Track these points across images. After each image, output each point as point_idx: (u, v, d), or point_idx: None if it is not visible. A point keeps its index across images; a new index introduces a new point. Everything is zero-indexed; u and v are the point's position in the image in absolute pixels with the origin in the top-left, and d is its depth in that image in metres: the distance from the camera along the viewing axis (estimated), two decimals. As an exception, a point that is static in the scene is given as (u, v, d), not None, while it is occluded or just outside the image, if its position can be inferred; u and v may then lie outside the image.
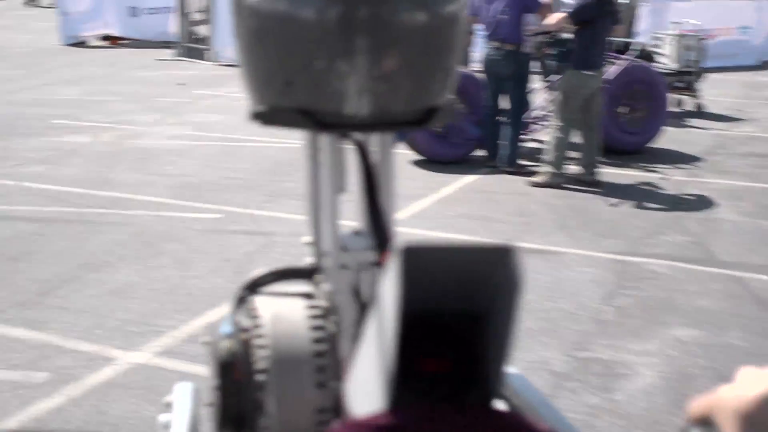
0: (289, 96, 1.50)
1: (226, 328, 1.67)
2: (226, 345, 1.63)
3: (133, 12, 19.75)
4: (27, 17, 22.63)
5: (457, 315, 0.97)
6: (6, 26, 21.59)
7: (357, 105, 1.47)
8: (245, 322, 1.64)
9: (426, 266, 0.90)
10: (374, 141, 1.68)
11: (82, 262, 5.98)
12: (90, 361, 4.51)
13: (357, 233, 1.71)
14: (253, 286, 1.71)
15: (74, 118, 11.28)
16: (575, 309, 5.37)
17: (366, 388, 1.01)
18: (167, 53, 17.91)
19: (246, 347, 1.60)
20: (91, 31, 19.88)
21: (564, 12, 8.35)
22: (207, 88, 13.99)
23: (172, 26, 18.28)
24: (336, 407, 1.56)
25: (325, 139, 1.66)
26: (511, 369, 1.06)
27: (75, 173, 8.54)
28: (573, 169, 8.61)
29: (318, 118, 1.50)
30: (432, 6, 1.47)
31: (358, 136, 1.62)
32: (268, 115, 1.54)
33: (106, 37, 20.02)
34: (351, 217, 1.72)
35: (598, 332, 5.08)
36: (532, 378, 4.61)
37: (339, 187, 1.68)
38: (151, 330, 4.89)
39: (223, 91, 13.50)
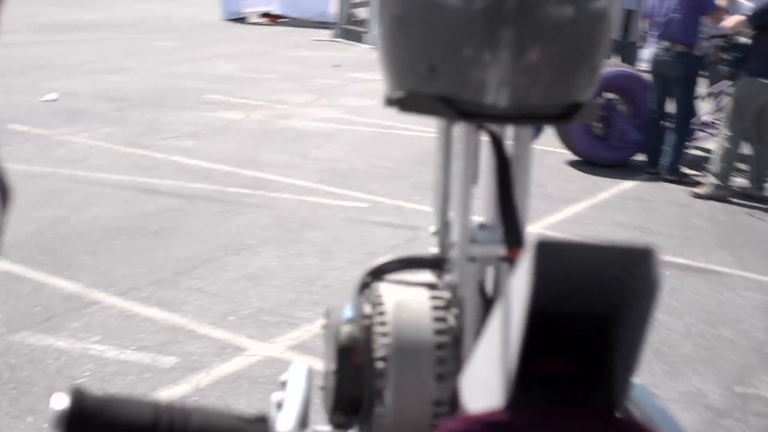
0: (431, 82, 1.48)
1: (348, 313, 1.65)
2: (347, 330, 1.61)
3: (294, -9, 19.89)
4: (192, -9, 23.14)
5: (587, 316, 0.94)
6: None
7: (497, 95, 1.45)
8: (368, 308, 1.63)
9: (559, 263, 0.87)
10: (511, 134, 1.64)
11: (222, 243, 5.89)
12: (221, 350, 4.37)
13: (485, 226, 1.68)
14: (377, 273, 1.70)
15: (228, 94, 11.33)
16: (737, 338, 4.93)
17: (484, 383, 0.99)
18: (325, 34, 17.94)
19: (367, 333, 1.59)
20: (251, 8, 20.13)
21: (743, 15, 7.81)
22: (362, 71, 13.89)
23: (331, 7, 18.29)
24: (453, 401, 1.53)
25: (460, 129, 1.64)
26: (635, 380, 1.00)
27: (223, 150, 8.53)
28: (740, 182, 8.07)
29: (457, 107, 1.48)
30: (580, 0, 1.44)
31: (494, 127, 1.59)
32: (407, 101, 1.53)
33: (265, 15, 20.24)
34: (479, 211, 1.67)
35: (762, 366, 4.63)
36: (683, 410, 4.35)
37: (471, 179, 1.65)
38: (286, 321, 4.72)
39: (378, 75, 13.34)
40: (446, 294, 1.63)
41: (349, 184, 7.52)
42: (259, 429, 1.26)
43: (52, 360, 4.17)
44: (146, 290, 5.06)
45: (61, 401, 0.98)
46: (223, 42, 16.44)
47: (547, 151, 8.79)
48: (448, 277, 1.67)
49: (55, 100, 10.81)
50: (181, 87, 11.62)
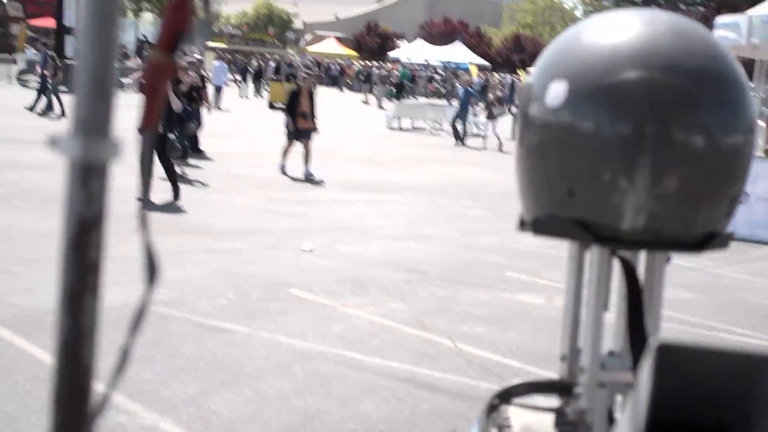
0: (569, 206, 1.57)
1: None
2: None
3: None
4: (503, 157, 22.72)
5: (716, 428, 0.88)
6: (483, 164, 21.77)
7: (634, 221, 1.50)
8: (496, 429, 1.67)
9: (680, 369, 0.85)
10: (643, 261, 1.66)
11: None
12: None
13: (614, 353, 1.69)
14: (505, 396, 1.73)
15: (531, 273, 10.27)
16: None
17: None
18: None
19: None
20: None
21: None
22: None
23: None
24: None
25: (593, 255, 1.65)
26: None
27: (518, 342, 7.40)
28: None
29: (594, 231, 1.52)
30: (720, 133, 1.49)
31: (626, 254, 1.63)
32: (544, 224, 1.60)
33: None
34: (608, 339, 1.60)
35: None
36: None
37: (603, 305, 1.66)
38: None
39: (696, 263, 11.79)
40: (573, 419, 1.62)
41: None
42: None
43: None
44: None
45: None
46: (531, 212, 15.57)
47: None
48: (576, 403, 1.65)
49: (310, 251, 10.41)
50: (480, 261, 10.71)
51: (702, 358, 0.86)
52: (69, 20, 35.11)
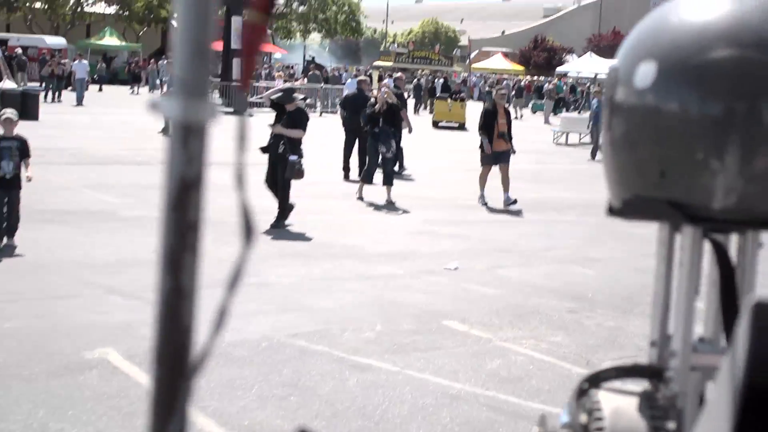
0: (660, 187, 1.56)
1: (564, 418, 1.66)
2: None
3: None
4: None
5: None
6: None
7: (726, 201, 1.49)
8: (585, 414, 1.63)
9: None
10: (736, 244, 1.63)
11: None
12: None
13: (705, 339, 1.65)
14: (595, 380, 1.68)
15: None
16: None
17: None
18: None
19: None
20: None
21: None
22: None
23: None
24: None
25: (685, 237, 1.64)
26: None
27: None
28: None
29: (685, 211, 1.53)
30: None
31: (718, 236, 1.62)
32: (634, 206, 1.61)
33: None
34: (699, 324, 1.53)
35: None
36: None
37: (694, 288, 1.64)
38: None
39: None
40: (665, 403, 1.59)
41: None
42: None
43: None
44: None
45: None
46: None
47: None
48: (667, 387, 1.63)
49: (455, 269, 9.82)
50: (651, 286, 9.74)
51: None
52: (235, 43, 35.75)
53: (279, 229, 11.60)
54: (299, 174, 11.76)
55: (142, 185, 14.48)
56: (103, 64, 46.35)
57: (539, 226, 13.54)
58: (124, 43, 55.36)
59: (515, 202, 14.75)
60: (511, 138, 15.31)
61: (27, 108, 22.37)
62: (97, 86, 41.67)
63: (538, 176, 19.14)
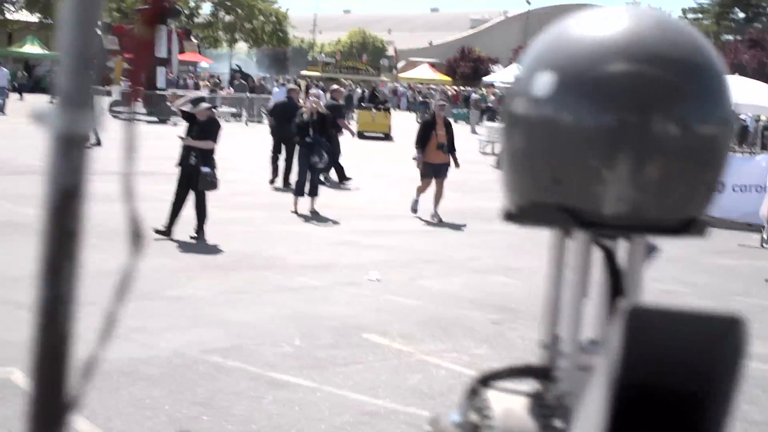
0: (553, 193, 1.62)
1: (455, 417, 1.69)
2: None
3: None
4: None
5: (684, 392, 0.91)
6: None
7: (616, 207, 1.57)
8: (476, 414, 1.67)
9: (650, 333, 0.88)
10: (624, 248, 1.69)
11: None
12: None
13: (594, 341, 1.71)
14: (487, 380, 1.72)
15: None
16: None
17: None
18: (755, 239, 15.26)
19: None
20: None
21: None
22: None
23: (764, 208, 15.62)
24: None
25: (576, 242, 1.70)
26: None
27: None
28: None
29: (577, 217, 1.60)
30: (699, 123, 1.59)
31: (607, 241, 1.68)
32: (529, 212, 1.66)
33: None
34: (588, 327, 1.60)
35: None
36: None
37: (583, 291, 1.71)
38: None
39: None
40: (554, 403, 1.65)
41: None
42: None
43: None
44: None
45: None
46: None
47: None
48: (556, 387, 1.69)
49: (377, 280, 9.71)
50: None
51: (672, 322, 0.87)
52: (160, 52, 35.32)
53: (200, 240, 11.31)
54: (212, 185, 11.44)
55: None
56: (25, 73, 45.24)
57: (463, 235, 13.45)
58: (47, 51, 54.15)
59: (440, 221, 14.48)
60: (453, 150, 14.94)
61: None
62: (17, 94, 40.68)
63: (463, 185, 19.08)
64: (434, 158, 14.63)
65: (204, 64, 61.93)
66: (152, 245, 10.66)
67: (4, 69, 36.71)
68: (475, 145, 29.74)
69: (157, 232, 11.11)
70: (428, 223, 14.35)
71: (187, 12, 62.57)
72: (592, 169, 1.56)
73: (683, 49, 1.64)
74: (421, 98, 47.34)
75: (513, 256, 11.84)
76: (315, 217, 13.94)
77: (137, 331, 6.94)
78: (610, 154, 1.55)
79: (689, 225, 1.65)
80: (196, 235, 11.45)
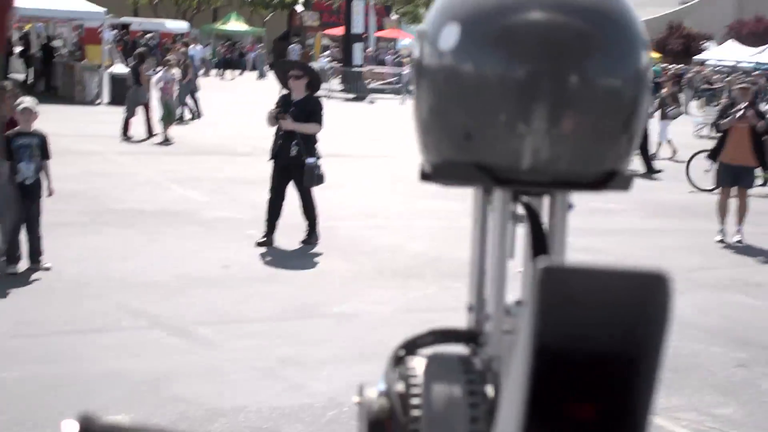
0: (466, 150, 1.55)
1: (381, 386, 1.59)
2: (379, 403, 1.56)
3: None
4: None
5: (607, 354, 0.88)
6: None
7: (532, 162, 1.51)
8: (402, 382, 1.58)
9: (567, 292, 0.86)
10: (547, 206, 1.64)
11: None
12: None
13: (520, 302, 1.65)
14: (411, 347, 1.64)
15: None
16: None
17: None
18: None
19: (400, 407, 1.55)
20: None
21: None
22: None
23: None
24: None
25: (495, 202, 1.65)
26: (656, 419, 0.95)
27: None
28: None
29: (493, 174, 1.54)
30: (614, 73, 1.51)
31: (529, 199, 1.63)
32: (443, 170, 1.59)
33: None
34: (515, 288, 1.53)
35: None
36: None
37: (507, 252, 1.66)
38: None
39: None
40: (481, 367, 1.60)
41: None
42: None
43: None
44: None
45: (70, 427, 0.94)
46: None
47: None
48: (483, 351, 1.66)
49: None
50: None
51: (592, 280, 0.81)
52: (357, 28, 34.74)
53: (311, 245, 9.61)
54: (319, 180, 9.43)
55: (238, 180, 13.08)
56: (221, 50, 45.86)
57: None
58: (249, 28, 54.87)
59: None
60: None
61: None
62: (215, 70, 41.20)
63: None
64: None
65: (405, 41, 61.04)
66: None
67: (198, 46, 36.52)
68: (689, 128, 27.22)
69: (259, 244, 9.30)
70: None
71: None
72: (503, 123, 1.46)
73: None
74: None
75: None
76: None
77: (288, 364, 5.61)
78: (522, 106, 1.45)
79: (610, 179, 1.51)
80: (308, 239, 9.59)
